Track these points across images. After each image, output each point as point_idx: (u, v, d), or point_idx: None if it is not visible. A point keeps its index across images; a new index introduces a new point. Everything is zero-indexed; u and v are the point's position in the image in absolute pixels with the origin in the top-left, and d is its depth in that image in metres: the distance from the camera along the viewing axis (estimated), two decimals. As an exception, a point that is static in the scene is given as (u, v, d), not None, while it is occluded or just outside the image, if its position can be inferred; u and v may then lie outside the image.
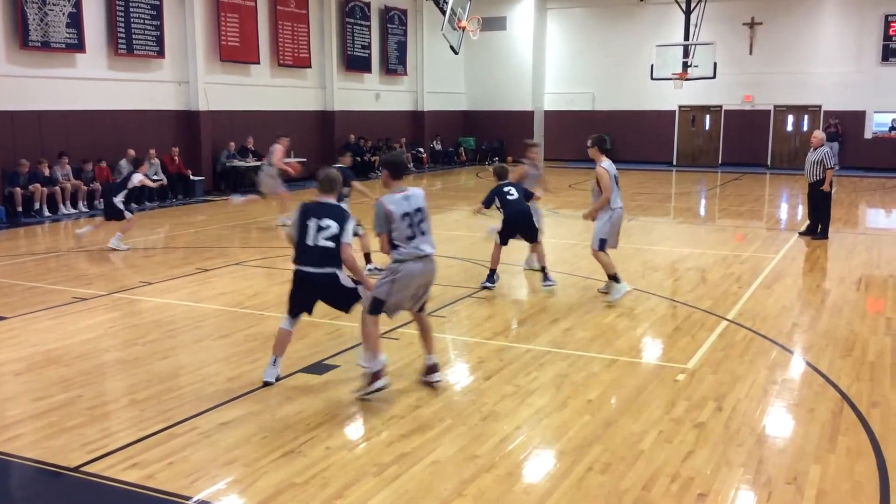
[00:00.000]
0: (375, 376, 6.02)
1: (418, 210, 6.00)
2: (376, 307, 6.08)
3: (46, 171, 16.27)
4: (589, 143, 9.08)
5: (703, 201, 20.74)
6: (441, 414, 5.78)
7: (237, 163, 20.60)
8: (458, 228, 12.15)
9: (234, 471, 4.89)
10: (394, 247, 5.98)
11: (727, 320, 8.36)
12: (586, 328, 8.09)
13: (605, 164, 8.95)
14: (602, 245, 9.08)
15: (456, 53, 24.25)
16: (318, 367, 6.80)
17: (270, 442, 5.29)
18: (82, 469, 4.91)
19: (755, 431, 5.50)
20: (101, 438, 5.34)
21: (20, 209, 15.74)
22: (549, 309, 8.88)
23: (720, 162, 29.30)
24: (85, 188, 16.94)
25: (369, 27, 26.25)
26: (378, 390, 6.00)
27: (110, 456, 5.07)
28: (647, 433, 5.44)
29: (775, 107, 28.55)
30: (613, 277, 9.08)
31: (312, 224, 6.12)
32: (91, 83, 17.54)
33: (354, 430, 5.63)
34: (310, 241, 6.10)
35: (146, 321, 8.32)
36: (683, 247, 13.05)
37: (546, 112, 31.78)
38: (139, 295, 9.46)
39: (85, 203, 16.93)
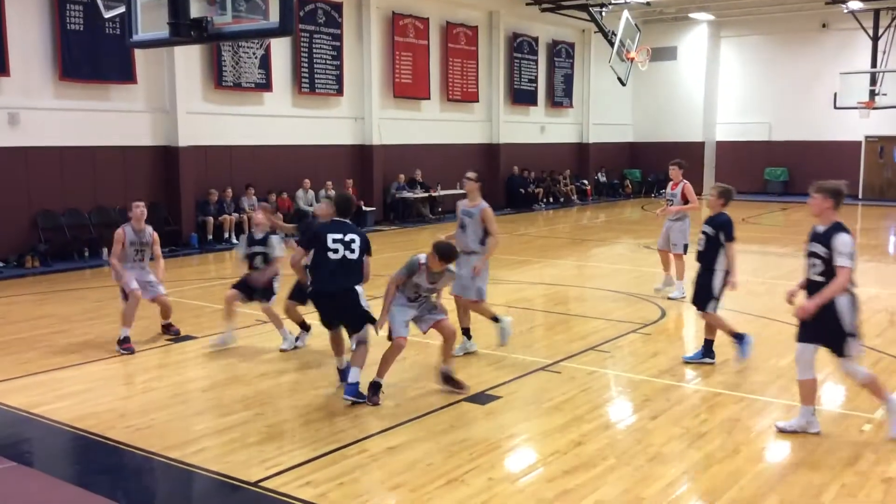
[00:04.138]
0: None
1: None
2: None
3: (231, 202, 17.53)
4: (473, 176, 8.33)
5: (892, 238, 19.24)
6: (605, 452, 5.68)
7: (406, 194, 21.29)
8: (622, 262, 11.95)
9: (401, 495, 5.02)
10: None
11: (921, 368, 7.70)
12: (761, 371, 7.69)
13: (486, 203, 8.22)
14: (483, 294, 8.17)
15: (623, 85, 23.98)
16: (481, 398, 6.87)
17: (435, 469, 5.39)
18: (261, 484, 5.21)
19: (955, 492, 5.02)
20: (277, 456, 5.65)
21: (211, 237, 17.02)
22: (719, 348, 8.51)
23: (913, 196, 27.13)
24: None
25: (536, 61, 26.51)
26: None
27: (286, 473, 5.35)
28: (829, 486, 5.10)
29: (978, 136, 26.11)
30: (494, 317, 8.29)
31: None
32: (276, 120, 18.79)
33: (516, 462, 5.64)
34: None
35: (324, 346, 8.70)
36: (870, 286, 12.13)
37: (718, 143, 30.69)
38: (315, 320, 9.92)
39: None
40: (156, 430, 6.23)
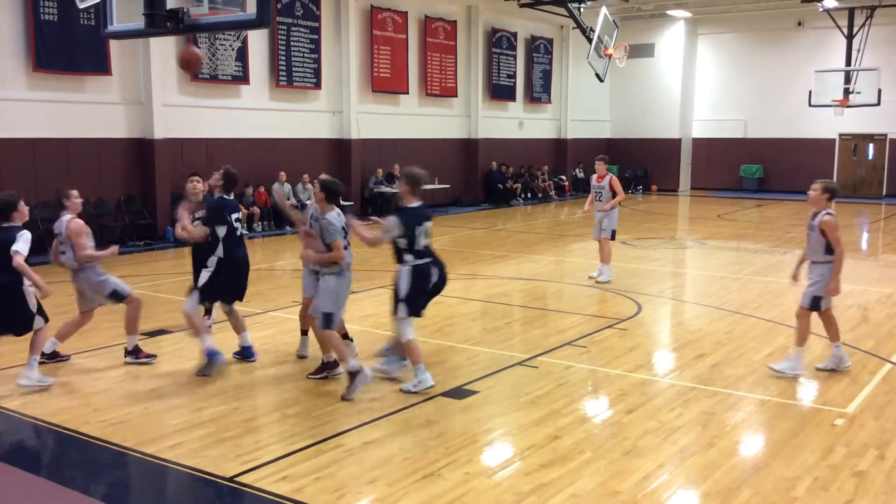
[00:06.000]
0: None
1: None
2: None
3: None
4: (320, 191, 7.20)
5: (864, 234, 19.49)
6: (581, 446, 5.72)
7: (384, 188, 21.25)
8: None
9: (377, 490, 5.02)
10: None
11: (891, 363, 7.81)
12: (735, 365, 7.77)
13: (336, 211, 7.15)
14: (329, 321, 6.78)
15: (601, 81, 24.05)
16: (459, 392, 6.88)
17: (411, 463, 5.40)
18: (237, 479, 5.18)
19: (923, 485, 5.10)
20: (254, 450, 5.63)
21: (186, 230, 16.86)
22: (694, 343, 8.60)
23: (884, 193, 27.48)
24: (245, 211, 17.94)
25: (515, 56, 26.53)
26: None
27: (262, 468, 5.33)
28: (801, 479, 5.16)
29: (949, 135, 26.49)
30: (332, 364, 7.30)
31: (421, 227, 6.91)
32: (253, 113, 18.65)
33: (493, 456, 5.66)
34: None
35: (298, 339, 8.68)
36: (843, 283, 12.25)
37: (694, 140, 30.92)
38: (292, 314, 9.90)
39: (244, 225, 17.90)
40: (130, 424, 6.18)
